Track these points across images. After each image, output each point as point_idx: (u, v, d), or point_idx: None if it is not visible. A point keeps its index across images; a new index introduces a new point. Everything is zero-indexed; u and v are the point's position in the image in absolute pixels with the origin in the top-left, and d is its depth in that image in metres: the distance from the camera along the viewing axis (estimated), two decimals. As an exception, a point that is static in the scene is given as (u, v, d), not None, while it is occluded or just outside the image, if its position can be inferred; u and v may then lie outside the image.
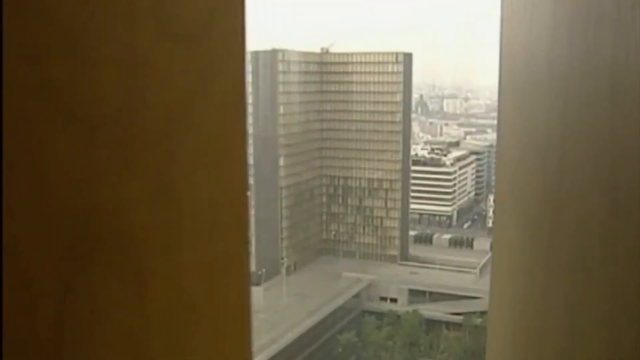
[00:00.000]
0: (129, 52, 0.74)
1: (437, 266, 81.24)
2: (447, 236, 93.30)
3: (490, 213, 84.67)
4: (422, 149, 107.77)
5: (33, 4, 0.64)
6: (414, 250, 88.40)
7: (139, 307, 0.75)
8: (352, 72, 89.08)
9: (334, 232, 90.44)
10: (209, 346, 0.81)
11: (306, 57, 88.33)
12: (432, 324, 68.33)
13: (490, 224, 79.62)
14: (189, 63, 0.79)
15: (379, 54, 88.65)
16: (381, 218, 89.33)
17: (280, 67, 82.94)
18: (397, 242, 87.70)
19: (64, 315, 0.69)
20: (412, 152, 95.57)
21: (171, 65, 0.78)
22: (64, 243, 0.68)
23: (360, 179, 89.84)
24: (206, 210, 0.80)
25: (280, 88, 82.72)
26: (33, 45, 0.64)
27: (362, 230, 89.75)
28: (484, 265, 73.34)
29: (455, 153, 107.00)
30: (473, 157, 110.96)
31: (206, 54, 0.80)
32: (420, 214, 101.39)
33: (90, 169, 0.70)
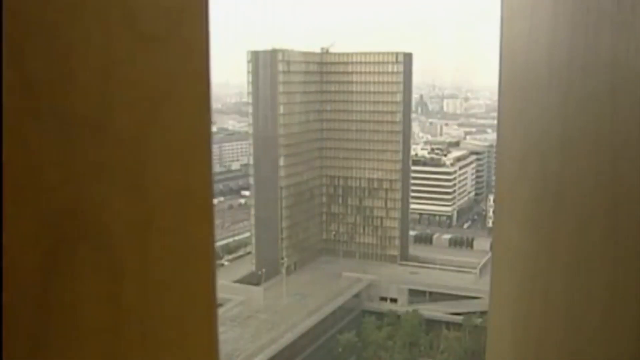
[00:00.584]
0: (103, 52, 0.75)
1: (437, 266, 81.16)
2: (447, 236, 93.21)
3: (490, 213, 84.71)
4: (422, 149, 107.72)
5: (13, 4, 0.66)
6: (414, 250, 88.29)
7: (114, 301, 0.78)
8: (352, 72, 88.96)
9: (334, 232, 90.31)
10: (177, 338, 0.85)
11: (306, 57, 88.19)
12: (432, 324, 68.26)
13: (490, 224, 79.63)
14: (157, 63, 0.81)
15: (379, 54, 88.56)
16: (381, 218, 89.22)
17: (280, 67, 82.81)
18: (397, 242, 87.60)
19: (47, 310, 0.72)
20: (412, 152, 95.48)
21: (141, 65, 0.79)
22: (48, 239, 0.71)
23: (360, 179, 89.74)
24: (174, 206, 0.82)
25: (280, 88, 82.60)
26: (15, 44, 0.66)
27: (362, 230, 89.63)
28: (484, 265, 73.28)
29: (455, 153, 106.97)
30: (473, 157, 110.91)
31: (173, 54, 0.82)
32: (420, 214, 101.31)
33: (70, 167, 0.73)
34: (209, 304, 0.88)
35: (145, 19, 0.79)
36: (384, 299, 75.37)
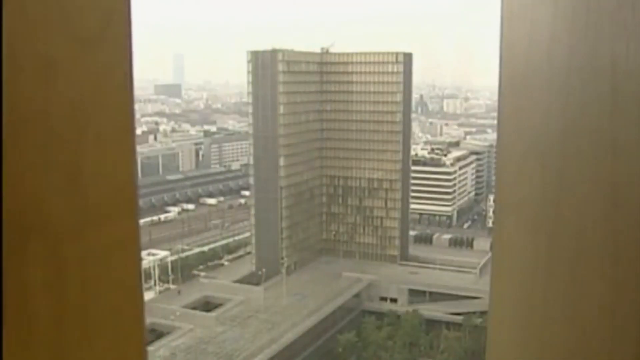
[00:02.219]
0: (44, 56, 0.81)
1: (437, 266, 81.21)
2: (447, 236, 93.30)
3: (490, 213, 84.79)
4: (422, 149, 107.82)
5: None
6: (414, 250, 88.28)
7: (58, 290, 0.85)
8: (352, 72, 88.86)
9: (334, 232, 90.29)
10: (109, 327, 0.92)
11: (306, 57, 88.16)
12: (432, 324, 68.31)
13: (490, 224, 79.67)
14: (89, 65, 0.87)
15: (379, 54, 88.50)
16: (381, 218, 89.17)
17: (280, 67, 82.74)
18: (397, 242, 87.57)
19: (3, 304, 0.77)
20: (412, 152, 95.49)
21: (76, 67, 0.85)
22: (5, 234, 0.77)
23: (360, 179, 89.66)
24: (104, 201, 0.89)
25: (280, 88, 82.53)
26: None
27: (362, 230, 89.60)
28: (484, 265, 73.32)
29: (455, 153, 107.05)
30: (473, 157, 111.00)
31: (102, 56, 0.88)
32: (420, 214, 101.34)
33: (21, 164, 0.79)
34: (136, 286, 0.97)
35: (79, 22, 0.84)
36: (384, 299, 75.38)
